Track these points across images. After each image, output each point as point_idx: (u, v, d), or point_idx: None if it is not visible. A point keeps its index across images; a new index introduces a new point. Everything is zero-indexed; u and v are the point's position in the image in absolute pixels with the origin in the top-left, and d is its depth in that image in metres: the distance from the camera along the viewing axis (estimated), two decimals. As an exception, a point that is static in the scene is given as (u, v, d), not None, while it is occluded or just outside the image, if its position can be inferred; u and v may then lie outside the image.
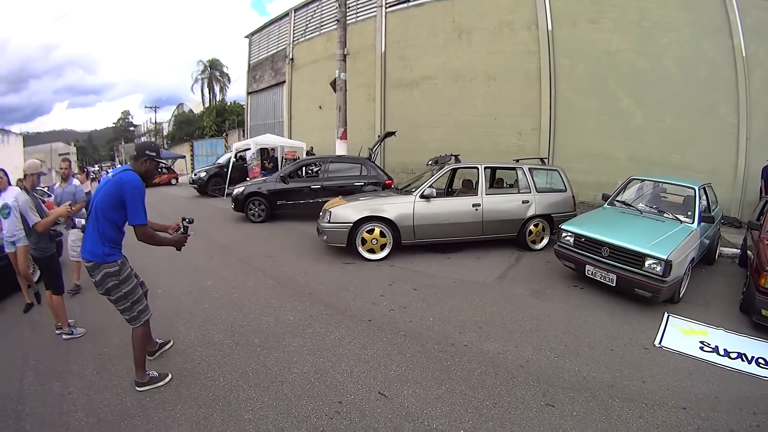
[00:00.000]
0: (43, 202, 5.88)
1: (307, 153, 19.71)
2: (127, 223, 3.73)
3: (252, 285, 6.84)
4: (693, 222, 6.66)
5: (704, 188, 7.50)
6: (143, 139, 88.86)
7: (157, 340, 4.61)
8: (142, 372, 3.94)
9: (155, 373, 4.06)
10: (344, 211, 8.23)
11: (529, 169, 9.21)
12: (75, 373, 4.22)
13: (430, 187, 8.42)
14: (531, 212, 8.89)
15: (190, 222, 4.23)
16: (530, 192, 8.96)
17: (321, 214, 8.69)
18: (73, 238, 6.60)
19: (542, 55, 14.62)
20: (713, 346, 4.95)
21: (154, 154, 3.91)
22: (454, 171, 10.13)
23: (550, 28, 14.44)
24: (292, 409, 3.63)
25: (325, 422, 3.47)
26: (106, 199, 3.65)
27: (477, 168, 8.90)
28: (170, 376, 4.11)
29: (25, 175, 5.40)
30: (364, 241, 8.13)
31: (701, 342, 5.05)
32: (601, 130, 13.78)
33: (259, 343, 4.82)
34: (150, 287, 4.86)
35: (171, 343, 4.77)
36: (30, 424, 3.48)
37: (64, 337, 4.95)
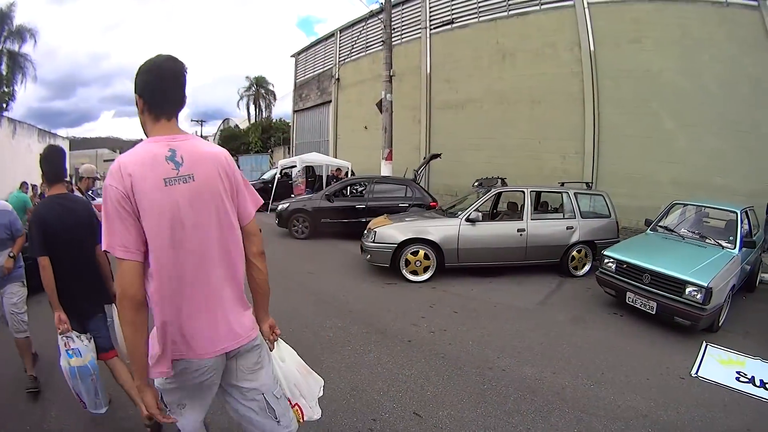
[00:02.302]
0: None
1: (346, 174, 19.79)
2: None
3: (293, 300, 6.96)
4: (734, 247, 6.59)
5: (746, 212, 7.42)
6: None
7: None
8: None
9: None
10: (389, 232, 8.33)
11: (575, 193, 9.19)
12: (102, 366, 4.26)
13: (476, 210, 8.45)
14: (575, 238, 8.84)
15: None
16: (575, 218, 8.94)
17: (365, 232, 8.82)
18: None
19: (585, 76, 14.59)
20: (750, 377, 4.88)
21: None
22: (499, 194, 10.12)
23: (592, 48, 14.42)
24: (327, 424, 3.64)
25: None
26: None
27: (523, 192, 8.87)
28: None
29: (81, 178, 5.60)
30: (407, 263, 8.21)
31: (738, 372, 4.98)
32: (644, 153, 13.60)
33: (297, 357, 4.87)
34: None
35: None
36: (56, 411, 3.76)
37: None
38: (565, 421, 3.87)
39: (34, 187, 14.08)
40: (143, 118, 2.05)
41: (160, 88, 2.01)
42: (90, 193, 8.41)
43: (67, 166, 3.85)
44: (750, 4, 11.95)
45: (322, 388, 2.80)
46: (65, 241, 2.31)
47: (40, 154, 3.41)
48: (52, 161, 3.40)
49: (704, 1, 12.56)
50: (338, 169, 19.86)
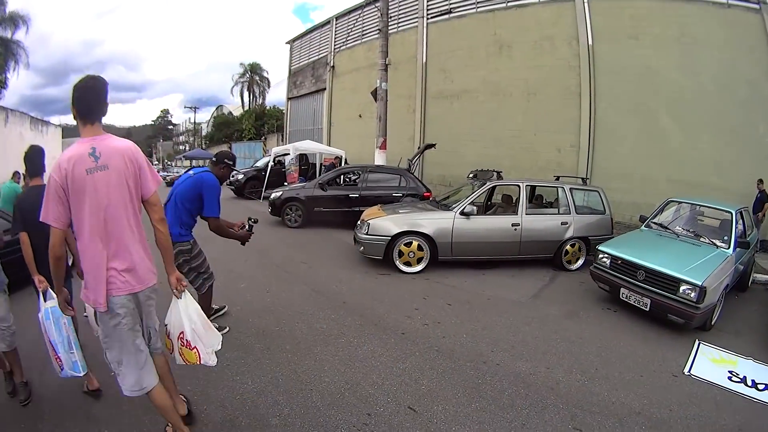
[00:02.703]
0: None
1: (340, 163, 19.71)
2: (201, 214, 4.60)
3: (285, 290, 6.94)
4: (729, 247, 6.63)
5: (741, 212, 7.42)
6: (182, 138, 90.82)
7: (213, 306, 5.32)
8: None
9: (216, 324, 4.44)
10: (383, 224, 8.26)
11: (570, 188, 9.17)
12: (100, 362, 4.03)
13: (470, 204, 8.41)
14: (569, 234, 8.85)
15: (255, 222, 5.11)
16: (569, 213, 8.93)
17: (359, 224, 8.77)
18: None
19: (582, 70, 14.62)
20: (741, 377, 4.91)
21: (231, 162, 4.82)
22: (494, 187, 10.05)
23: (590, 43, 14.44)
24: (320, 418, 3.65)
25: None
26: (185, 192, 4.50)
27: (519, 186, 8.86)
28: (228, 328, 5.12)
29: None
30: (401, 254, 8.17)
31: (730, 372, 5.02)
32: (639, 149, 13.69)
33: (290, 349, 4.88)
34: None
35: (226, 308, 5.75)
36: (49, 408, 3.64)
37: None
38: (559, 417, 3.86)
39: (26, 176, 13.88)
40: (77, 121, 2.78)
41: (86, 102, 2.77)
42: None
43: (46, 162, 4.34)
44: (752, 7, 12.03)
45: (220, 343, 3.46)
46: (40, 223, 2.55)
47: (25, 153, 4.14)
48: (32, 160, 4.17)
49: (705, 2, 12.60)
50: (337, 158, 19.81)
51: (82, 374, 3.54)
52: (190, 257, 4.61)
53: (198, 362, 3.26)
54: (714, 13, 12.48)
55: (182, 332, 3.22)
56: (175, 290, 3.20)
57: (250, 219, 5.13)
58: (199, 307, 3.39)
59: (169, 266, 3.19)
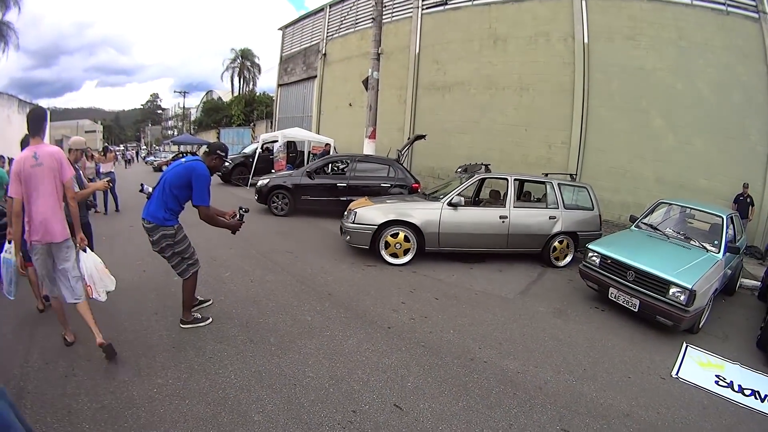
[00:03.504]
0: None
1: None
2: (191, 203, 4.64)
3: (270, 280, 6.79)
4: (719, 252, 6.62)
5: (731, 218, 7.43)
6: (170, 122, 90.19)
7: (198, 297, 5.41)
8: (188, 313, 4.93)
9: (199, 315, 5.07)
10: (370, 213, 8.15)
11: (559, 184, 9.12)
12: (82, 355, 4.20)
13: (458, 195, 8.32)
14: (557, 228, 8.80)
15: (246, 211, 5.15)
16: (558, 208, 8.89)
17: (345, 213, 8.63)
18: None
19: (577, 68, 14.58)
20: (728, 381, 4.93)
21: (223, 154, 4.89)
22: (482, 180, 10.03)
23: (586, 41, 14.40)
24: (304, 414, 3.55)
25: (337, 431, 3.40)
26: (175, 178, 4.55)
27: (507, 179, 8.78)
28: (210, 319, 5.08)
29: (69, 150, 5.73)
30: (387, 245, 8.08)
31: (717, 376, 5.03)
32: (630, 149, 13.72)
33: (274, 342, 4.77)
34: (164, 274, 6.21)
35: (211, 302, 5.66)
36: (31, 403, 3.44)
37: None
38: (547, 417, 3.81)
39: (11, 160, 13.65)
40: (28, 134, 4.20)
41: (33, 124, 4.17)
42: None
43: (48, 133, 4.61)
44: (751, 16, 12.13)
45: (114, 284, 4.68)
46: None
47: (29, 111, 4.48)
48: (35, 121, 4.36)
49: (704, 7, 12.66)
50: (327, 144, 19.57)
51: (12, 298, 4.53)
52: (173, 242, 4.66)
53: (90, 296, 4.43)
54: (713, 19, 12.55)
55: (84, 275, 4.40)
56: (78, 245, 4.40)
57: (240, 208, 5.11)
58: (97, 258, 4.58)
59: (77, 229, 4.31)
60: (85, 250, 4.44)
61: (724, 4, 12.40)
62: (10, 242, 4.46)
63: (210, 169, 4.68)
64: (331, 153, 18.48)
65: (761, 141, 11.93)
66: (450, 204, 8.21)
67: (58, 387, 3.66)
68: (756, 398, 4.65)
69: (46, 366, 3.94)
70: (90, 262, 4.45)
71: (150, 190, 4.89)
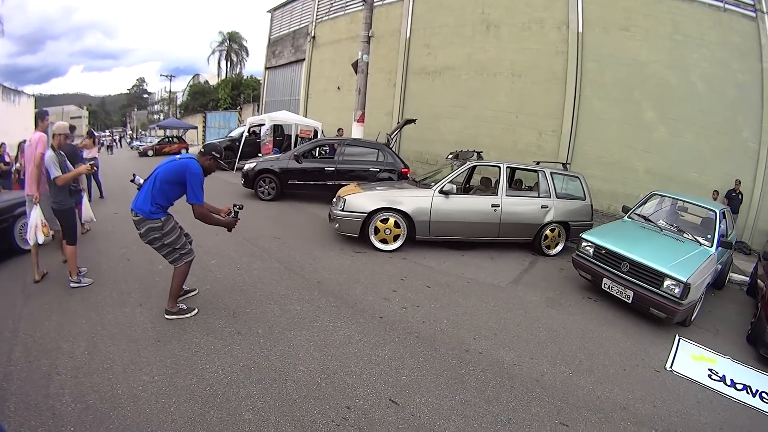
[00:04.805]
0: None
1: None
2: (185, 200, 4.57)
3: (258, 268, 6.60)
4: (712, 246, 6.63)
5: (724, 212, 7.46)
6: (156, 107, 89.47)
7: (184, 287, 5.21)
8: (174, 302, 4.81)
9: (184, 306, 4.89)
10: (359, 200, 7.99)
11: (551, 173, 9.04)
12: (65, 352, 3.99)
13: (450, 182, 8.19)
14: (549, 218, 8.75)
15: (241, 208, 5.07)
16: (550, 197, 8.82)
17: (334, 200, 8.45)
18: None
19: (570, 56, 14.52)
20: (720, 375, 4.98)
21: (218, 155, 4.92)
22: (473, 168, 9.87)
23: (580, 30, 14.32)
24: (297, 411, 3.42)
25: (332, 429, 3.29)
26: (167, 174, 4.51)
27: (499, 167, 8.65)
28: (196, 310, 4.91)
29: (53, 135, 5.71)
30: (377, 230, 7.94)
31: (710, 370, 5.07)
32: (621, 139, 13.75)
33: (262, 333, 4.60)
34: (148, 263, 6.24)
35: (196, 291, 5.50)
36: (14, 405, 3.26)
37: (72, 285, 5.37)
38: (545, 411, 3.76)
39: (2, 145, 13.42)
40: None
41: (37, 119, 5.96)
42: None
43: (17, 131, 4.67)
44: (747, 14, 12.18)
45: (51, 237, 5.73)
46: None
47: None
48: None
49: (701, 2, 12.66)
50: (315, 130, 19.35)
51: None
52: (161, 234, 4.58)
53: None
54: (709, 14, 12.58)
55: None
56: (33, 202, 5.54)
57: (235, 205, 5.06)
58: (41, 212, 5.55)
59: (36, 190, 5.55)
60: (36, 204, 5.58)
61: (721, 0, 12.39)
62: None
63: (204, 170, 4.69)
64: (316, 137, 18.25)
65: (753, 138, 12.03)
66: (441, 192, 8.07)
67: (41, 387, 3.47)
68: (748, 393, 4.69)
69: (29, 365, 3.75)
70: (35, 215, 5.56)
71: (141, 181, 4.85)
